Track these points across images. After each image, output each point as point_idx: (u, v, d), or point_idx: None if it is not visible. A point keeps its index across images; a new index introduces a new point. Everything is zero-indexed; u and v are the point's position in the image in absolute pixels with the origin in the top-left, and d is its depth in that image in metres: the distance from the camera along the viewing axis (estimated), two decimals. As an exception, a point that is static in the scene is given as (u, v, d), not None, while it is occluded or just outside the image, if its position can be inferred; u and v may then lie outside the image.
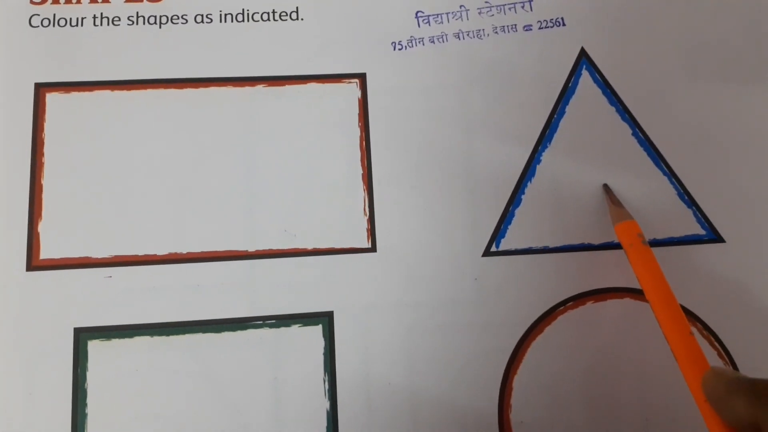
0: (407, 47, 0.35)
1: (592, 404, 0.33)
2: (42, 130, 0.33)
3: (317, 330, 0.33)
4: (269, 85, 0.35)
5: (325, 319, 0.33)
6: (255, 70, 0.35)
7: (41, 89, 0.34)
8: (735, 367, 0.33)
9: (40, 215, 0.32)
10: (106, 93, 0.34)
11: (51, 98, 0.34)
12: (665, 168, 0.35)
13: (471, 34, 0.36)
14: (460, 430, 0.32)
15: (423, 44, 0.35)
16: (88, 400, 0.31)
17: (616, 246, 0.34)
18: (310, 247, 0.33)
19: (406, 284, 0.33)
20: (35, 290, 0.32)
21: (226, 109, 0.34)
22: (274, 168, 0.34)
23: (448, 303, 0.33)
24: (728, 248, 0.34)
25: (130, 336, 0.32)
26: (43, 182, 0.33)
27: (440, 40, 0.35)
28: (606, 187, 0.34)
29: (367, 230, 0.34)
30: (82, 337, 0.32)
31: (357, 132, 0.34)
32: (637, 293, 0.34)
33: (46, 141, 0.33)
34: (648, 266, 0.30)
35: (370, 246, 0.33)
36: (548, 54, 0.36)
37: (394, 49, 0.35)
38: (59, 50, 0.34)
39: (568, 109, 0.35)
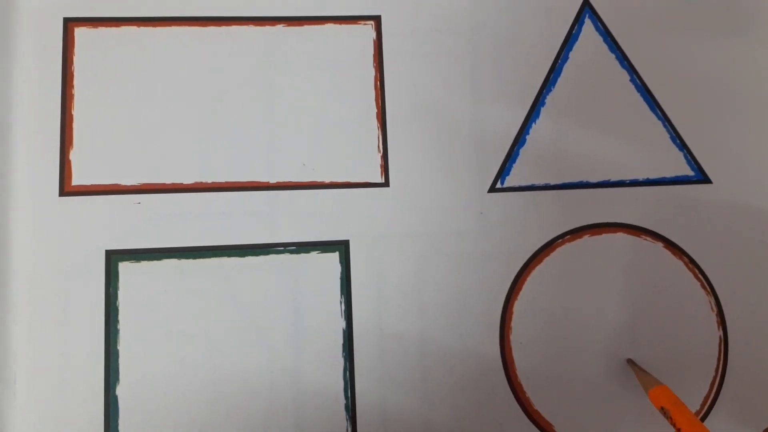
0: (421, -8, 0.37)
1: (584, 327, 0.35)
2: (71, 63, 0.35)
3: (334, 257, 0.35)
4: (289, 25, 0.36)
5: (341, 247, 0.35)
6: (275, 10, 0.36)
7: (69, 24, 0.35)
8: (716, 298, 0.36)
9: (71, 144, 0.34)
10: (132, 29, 0.35)
11: (79, 33, 0.35)
12: (659, 113, 0.37)
13: (481, -19, 0.37)
14: (465, 348, 0.35)
15: (436, -11, 0.37)
16: (120, 317, 0.33)
17: (612, 184, 0.37)
18: (327, 180, 0.35)
19: (416, 217, 0.35)
20: (68, 215, 0.34)
21: (248, 47, 0.36)
22: (293, 105, 0.36)
23: (455, 234, 0.35)
24: (715, 188, 0.37)
25: (159, 258, 0.34)
26: (73, 113, 0.34)
27: (452, -14, 0.37)
28: (630, 361, 0.35)
29: (381, 166, 0.36)
30: (114, 258, 0.33)
31: (372, 72, 0.36)
32: (629, 228, 0.36)
33: (75, 74, 0.35)
34: (693, 422, 0.30)
35: (383, 181, 0.36)
36: (553, 2, 0.38)
37: (408, -7, 0.37)
38: (87, -15, 0.35)
39: (571, 55, 0.37)
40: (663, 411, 0.31)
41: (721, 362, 0.36)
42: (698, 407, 0.35)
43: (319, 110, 0.36)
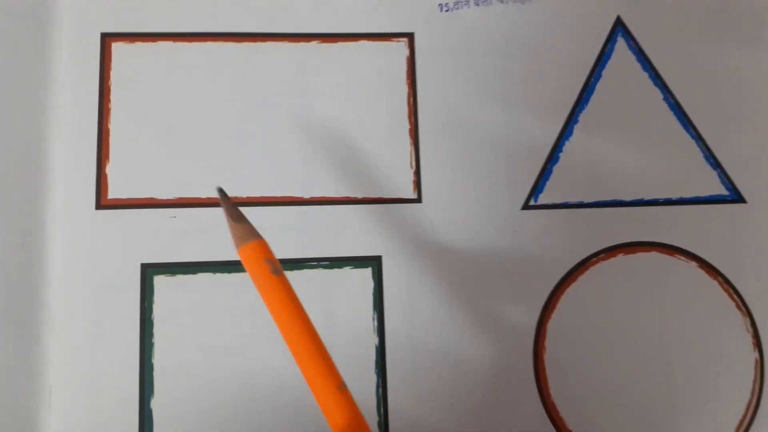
0: (453, 9, 0.37)
1: (619, 347, 0.35)
2: (108, 77, 0.35)
3: (367, 272, 0.35)
4: (322, 42, 0.36)
5: (374, 263, 0.35)
6: (309, 27, 0.36)
7: (107, 39, 0.35)
8: (752, 318, 0.36)
9: (107, 157, 0.34)
10: (168, 44, 0.36)
11: (116, 47, 0.35)
12: (693, 131, 0.37)
13: (515, -1, 0.37)
14: (498, 366, 0.35)
15: (468, 6, 0.37)
16: (155, 330, 0.33)
17: (645, 203, 0.36)
18: (360, 196, 0.35)
19: (449, 233, 0.35)
20: (104, 228, 0.34)
21: (282, 63, 0.36)
22: (326, 120, 0.36)
23: (488, 251, 0.35)
24: (750, 208, 0.37)
25: (194, 272, 0.34)
26: (110, 126, 0.35)
27: (485, 2, 0.37)
28: (222, 192, 0.27)
29: (414, 182, 0.36)
30: (149, 272, 0.34)
31: (405, 89, 0.36)
32: (663, 247, 0.36)
33: (112, 88, 0.35)
34: (280, 303, 0.24)
35: (416, 197, 0.36)
36: (586, 20, 0.38)
37: (441, 10, 0.37)
38: (125, 3, 0.36)
39: (604, 73, 0.37)
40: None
41: (758, 384, 0.35)
42: (733, 430, 0.35)
43: (353, 127, 0.36)
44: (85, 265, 0.33)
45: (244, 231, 0.26)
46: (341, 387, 0.24)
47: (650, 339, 0.35)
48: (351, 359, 0.34)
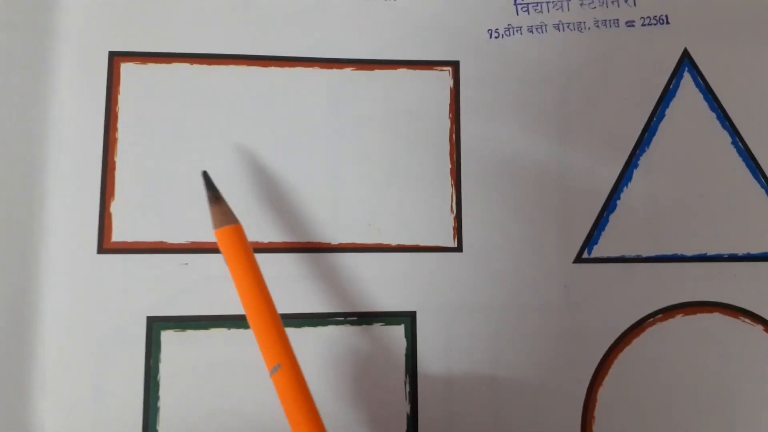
0: (504, 35, 0.33)
1: (676, 420, 0.32)
2: (116, 103, 0.31)
3: (399, 330, 0.31)
4: (358, 69, 0.33)
5: (407, 319, 0.31)
6: (343, 51, 0.33)
7: (115, 58, 0.31)
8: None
9: (112, 195, 0.31)
10: (184, 66, 0.32)
11: (126, 69, 0.31)
12: (763, 180, 0.33)
13: (571, 26, 0.34)
14: (542, 440, 0.31)
15: (521, 33, 0.33)
16: (161, 393, 0.30)
17: (708, 258, 0.33)
18: (394, 243, 0.32)
19: (492, 287, 0.32)
20: (106, 274, 0.30)
21: (311, 92, 0.32)
22: (359, 157, 0.32)
23: (536, 309, 0.32)
24: (824, 268, 0.33)
25: (206, 327, 0.30)
26: (116, 159, 0.31)
27: (539, 30, 0.33)
28: (206, 175, 0.29)
29: (454, 228, 0.32)
30: (155, 326, 0.30)
31: (447, 124, 0.33)
32: (726, 308, 0.33)
33: (120, 115, 0.31)
34: (246, 285, 0.26)
35: (456, 245, 0.32)
36: (650, 53, 0.34)
37: (491, 37, 0.33)
38: (136, 17, 0.32)
39: (668, 112, 0.33)
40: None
41: (831, 467, 0.32)
42: None
43: (388, 164, 0.32)
44: (84, 316, 0.30)
45: (222, 214, 0.28)
46: (273, 371, 0.26)
47: (712, 410, 0.32)
48: (379, 428, 0.30)
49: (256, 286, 0.27)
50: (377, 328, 0.31)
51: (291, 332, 0.30)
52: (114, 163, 0.31)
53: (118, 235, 0.30)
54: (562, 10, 0.34)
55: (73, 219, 0.30)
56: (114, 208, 0.30)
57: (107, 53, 0.31)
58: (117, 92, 0.31)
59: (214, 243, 0.30)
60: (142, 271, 0.30)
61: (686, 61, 0.34)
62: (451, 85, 0.33)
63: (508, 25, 0.33)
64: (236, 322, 0.30)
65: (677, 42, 0.34)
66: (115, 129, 0.31)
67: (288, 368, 0.26)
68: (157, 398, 0.29)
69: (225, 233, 0.27)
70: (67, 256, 0.30)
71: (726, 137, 0.34)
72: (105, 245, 0.30)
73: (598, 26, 0.34)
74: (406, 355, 0.31)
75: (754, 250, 0.33)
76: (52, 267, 0.30)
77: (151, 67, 0.32)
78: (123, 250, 0.30)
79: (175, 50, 0.32)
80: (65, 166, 0.30)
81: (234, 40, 0.32)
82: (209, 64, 0.32)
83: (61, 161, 0.30)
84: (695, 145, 0.33)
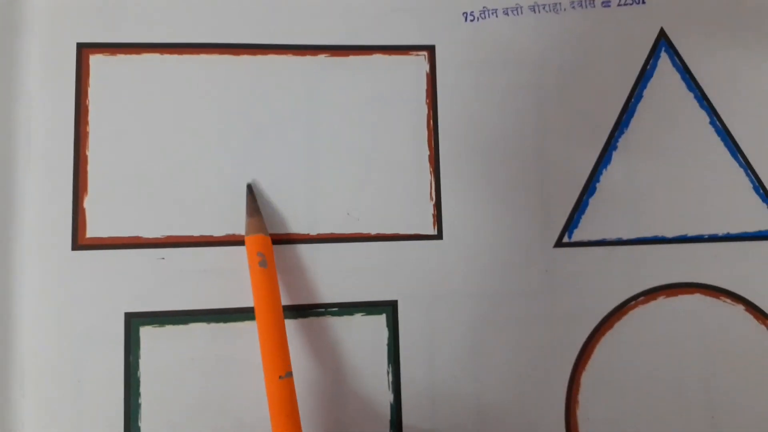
0: (479, 18, 0.33)
1: (659, 402, 0.32)
2: (86, 95, 0.30)
3: (381, 320, 0.31)
4: (332, 55, 0.32)
5: (389, 309, 0.31)
6: (317, 38, 0.32)
7: (84, 50, 0.31)
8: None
9: (85, 189, 0.30)
10: (155, 56, 0.31)
11: (95, 60, 0.31)
12: (742, 159, 0.33)
13: (547, 8, 0.33)
14: (526, 424, 0.31)
15: (496, 16, 0.33)
16: (141, 390, 0.29)
17: (689, 239, 0.33)
18: (373, 232, 0.31)
19: (473, 274, 0.32)
20: (82, 271, 0.30)
21: (286, 80, 0.32)
22: (335, 145, 0.32)
23: (517, 295, 0.32)
24: (803, 245, 0.33)
25: (185, 323, 0.30)
26: (88, 153, 0.30)
27: (514, 12, 0.33)
28: (250, 188, 0.31)
29: (433, 216, 0.32)
30: (134, 322, 0.29)
31: (424, 109, 0.32)
32: (707, 288, 0.33)
33: (90, 108, 0.30)
34: (258, 291, 0.28)
35: (436, 233, 0.32)
36: (626, 33, 0.34)
37: (466, 20, 0.33)
38: (104, 7, 0.31)
39: (645, 93, 0.33)
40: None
41: (811, 442, 0.32)
42: (782, 489, 0.32)
43: (365, 152, 0.32)
44: (61, 314, 0.29)
45: (252, 225, 0.29)
46: (283, 376, 0.27)
47: (694, 391, 0.32)
48: (362, 418, 0.30)
49: (274, 295, 0.28)
50: (358, 318, 0.31)
51: (271, 324, 0.30)
52: (86, 157, 0.30)
53: (92, 231, 0.30)
54: (538, -8, 0.33)
55: (46, 215, 0.30)
56: (87, 203, 0.30)
57: (75, 45, 0.31)
58: (87, 85, 0.30)
59: (191, 237, 0.30)
60: (119, 267, 0.30)
61: (663, 41, 0.34)
62: (427, 70, 0.32)
63: (483, 7, 0.33)
64: (216, 316, 0.30)
65: (654, 22, 0.34)
66: (86, 122, 0.30)
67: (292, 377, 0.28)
68: (138, 395, 0.29)
69: (254, 240, 0.29)
70: (41, 254, 0.29)
71: (704, 117, 0.34)
72: (79, 241, 0.30)
73: (573, 7, 0.33)
74: (388, 345, 0.31)
75: (734, 230, 0.33)
76: (26, 265, 0.29)
77: (121, 58, 0.31)
78: (98, 246, 0.30)
79: (144, 40, 0.31)
80: (36, 162, 0.30)
81: (205, 28, 0.31)
82: (180, 53, 0.31)
83: (32, 157, 0.30)
84: (673, 125, 0.33)
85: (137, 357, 0.29)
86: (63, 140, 0.30)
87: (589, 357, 0.32)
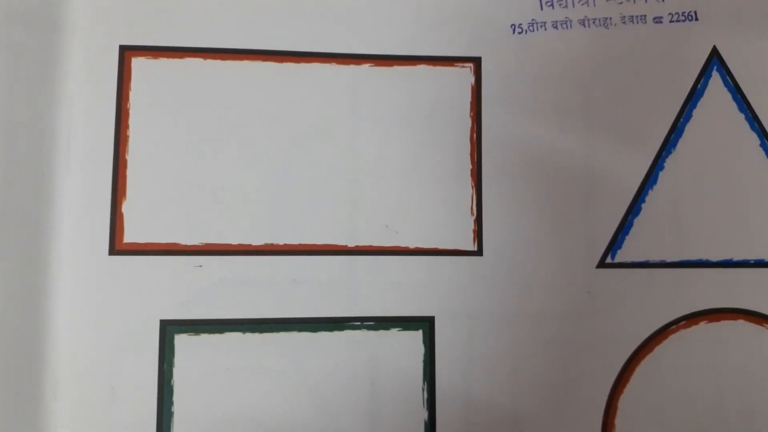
0: (527, 31, 0.32)
1: (699, 428, 0.31)
2: (127, 99, 0.30)
3: (417, 335, 0.30)
4: (376, 65, 0.31)
5: (425, 325, 0.31)
6: (361, 46, 0.32)
7: (126, 53, 0.30)
8: None
9: (124, 194, 0.30)
10: (198, 61, 0.31)
11: (137, 63, 0.30)
12: (792, 184, 0.32)
13: (597, 22, 0.32)
14: (561, 448, 0.30)
15: (545, 29, 0.32)
16: (175, 398, 0.29)
17: (734, 264, 0.32)
18: (412, 245, 0.31)
19: (512, 293, 0.31)
20: (118, 277, 0.29)
21: (329, 88, 0.31)
22: (376, 156, 0.31)
23: (557, 316, 0.31)
24: None
25: (220, 331, 0.29)
26: (127, 157, 0.30)
27: (564, 25, 0.32)
28: None
29: (474, 231, 0.31)
30: (169, 330, 0.29)
31: (468, 122, 0.32)
32: (751, 315, 0.32)
33: (131, 111, 0.30)
34: None
35: (476, 249, 0.31)
36: (677, 50, 0.33)
37: (513, 32, 0.32)
38: (148, 10, 0.31)
39: (695, 113, 0.32)
40: None
41: None
42: None
43: (407, 164, 0.31)
44: (97, 319, 0.29)
45: None
46: None
47: (734, 421, 0.31)
48: (397, 435, 0.30)
49: None
50: (394, 333, 0.30)
51: (307, 337, 0.30)
52: (125, 161, 0.30)
53: (130, 236, 0.29)
54: (588, 5, 0.33)
55: (85, 220, 0.29)
56: (126, 208, 0.30)
57: (118, 47, 0.30)
58: (128, 88, 0.30)
59: (228, 245, 0.30)
60: (155, 273, 0.29)
61: (715, 59, 0.33)
62: (473, 82, 0.32)
63: (532, 20, 0.32)
64: (251, 326, 0.30)
65: (706, 39, 0.33)
66: (127, 126, 0.30)
67: None
68: (171, 402, 0.29)
69: None
70: (79, 258, 0.29)
71: (755, 139, 0.33)
72: (117, 246, 0.29)
73: (624, 22, 0.33)
74: (424, 361, 0.30)
75: (781, 256, 0.32)
76: (64, 269, 0.29)
77: (163, 62, 0.30)
78: (135, 252, 0.29)
79: (187, 44, 0.31)
80: (76, 165, 0.30)
81: (249, 34, 0.31)
82: (223, 59, 0.31)
83: (72, 160, 0.30)
84: (723, 147, 0.32)
85: (171, 365, 0.29)
86: (103, 143, 0.30)
87: (627, 381, 0.31)
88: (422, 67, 0.32)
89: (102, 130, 0.30)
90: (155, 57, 0.30)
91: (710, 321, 0.32)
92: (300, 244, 0.30)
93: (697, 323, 0.32)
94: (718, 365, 0.32)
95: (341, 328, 0.30)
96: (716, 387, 0.31)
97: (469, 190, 0.31)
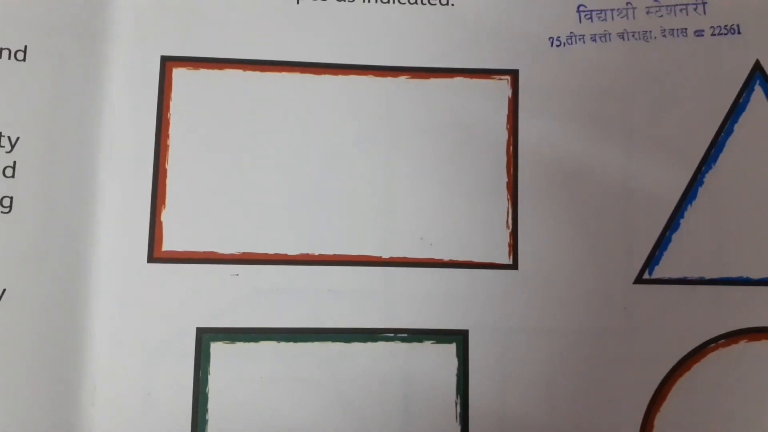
0: (566, 44, 0.32)
1: (737, 451, 0.30)
2: (168, 109, 0.31)
3: (451, 349, 0.30)
4: (413, 77, 0.32)
5: (459, 338, 0.30)
6: (398, 59, 0.32)
7: (168, 63, 0.31)
8: None
9: (163, 202, 0.30)
10: (237, 72, 0.31)
11: (178, 74, 0.31)
12: (837, 200, 0.32)
13: (637, 35, 0.32)
14: (596, 466, 0.30)
15: (584, 42, 0.32)
16: (209, 406, 0.29)
17: (776, 282, 0.31)
18: (446, 258, 0.31)
19: (548, 308, 0.31)
20: (156, 284, 0.30)
21: (365, 100, 0.31)
22: (412, 168, 0.31)
23: (594, 332, 0.31)
24: None
25: (256, 340, 0.30)
26: (167, 167, 0.30)
27: (603, 38, 0.32)
28: None
29: (509, 245, 0.31)
30: (205, 338, 0.29)
31: (504, 135, 0.32)
32: (793, 335, 0.31)
33: (171, 121, 0.31)
34: None
35: (511, 262, 0.31)
36: (719, 64, 0.32)
37: (552, 45, 0.32)
38: (189, 22, 0.31)
39: (736, 127, 0.32)
40: None
41: None
42: None
43: (442, 176, 0.31)
44: (134, 326, 0.29)
45: None
46: None
47: (774, 443, 0.30)
48: (429, 448, 0.30)
49: None
50: (428, 345, 0.30)
51: (340, 347, 0.30)
52: (165, 170, 0.30)
53: (168, 244, 0.30)
54: (627, 18, 0.32)
55: (124, 227, 0.30)
56: (165, 216, 0.30)
57: (159, 57, 0.31)
58: (169, 98, 0.31)
59: (265, 254, 0.30)
60: (193, 281, 0.30)
61: (758, 73, 0.32)
62: (510, 95, 0.32)
63: (571, 32, 0.32)
64: (286, 335, 0.30)
65: (749, 53, 0.32)
66: (167, 136, 0.30)
67: None
68: (205, 410, 0.29)
69: None
70: (117, 265, 0.30)
71: (798, 155, 0.32)
72: (155, 254, 0.30)
73: (665, 35, 0.32)
74: (458, 375, 0.30)
75: (824, 275, 0.31)
76: (102, 276, 0.29)
77: (204, 73, 0.31)
78: (173, 260, 0.30)
79: (227, 56, 0.31)
80: (116, 173, 0.30)
81: (287, 46, 0.31)
82: (262, 70, 0.31)
83: (112, 168, 0.30)
84: (764, 162, 0.32)
85: (207, 373, 0.29)
86: (144, 152, 0.30)
87: (664, 399, 0.31)
88: (459, 80, 0.32)
89: (143, 138, 0.30)
90: (196, 68, 0.31)
91: (750, 340, 0.31)
92: (335, 255, 0.30)
93: (736, 342, 0.31)
94: (757, 386, 0.31)
95: (375, 340, 0.30)
96: (755, 408, 0.31)
97: (504, 203, 0.31)
